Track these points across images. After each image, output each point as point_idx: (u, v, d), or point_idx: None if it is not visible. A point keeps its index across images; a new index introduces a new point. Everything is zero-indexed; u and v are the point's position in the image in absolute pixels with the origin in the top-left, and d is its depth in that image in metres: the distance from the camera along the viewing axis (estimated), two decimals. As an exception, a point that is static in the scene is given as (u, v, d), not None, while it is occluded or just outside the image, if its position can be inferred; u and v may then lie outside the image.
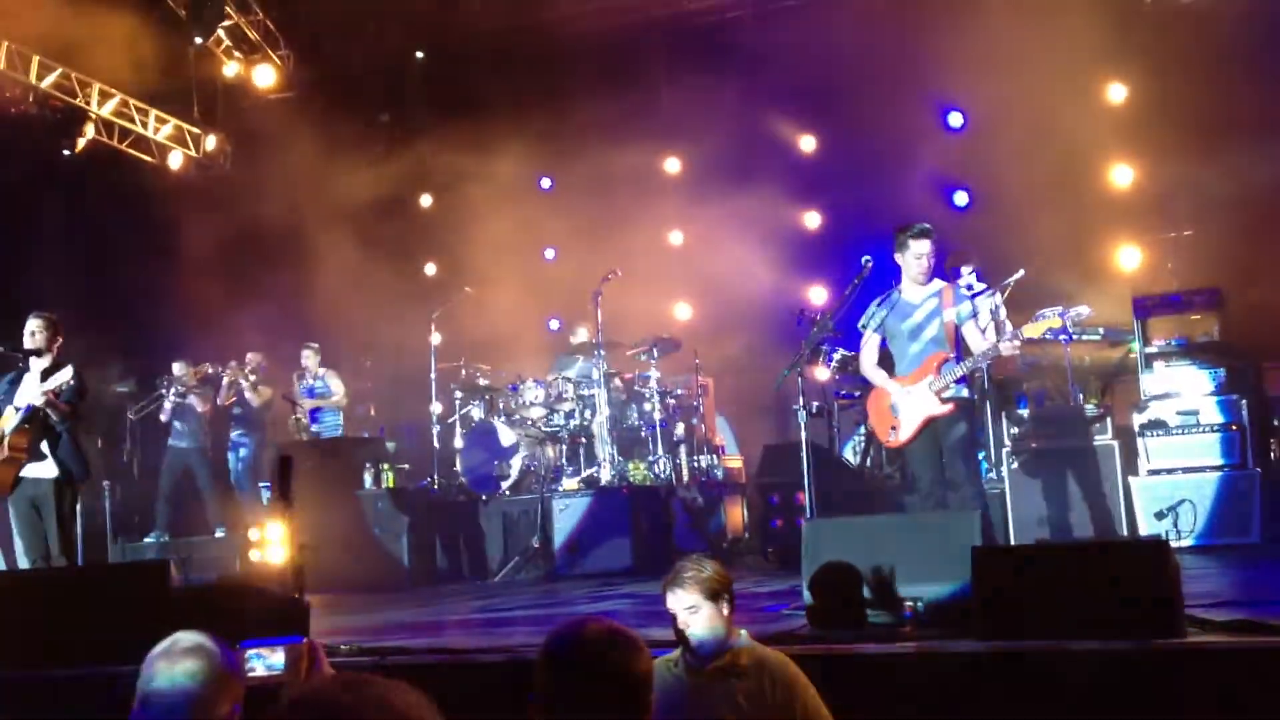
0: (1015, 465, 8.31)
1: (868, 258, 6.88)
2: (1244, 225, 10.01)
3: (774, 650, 4.09)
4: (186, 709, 2.70)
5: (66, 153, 12.52)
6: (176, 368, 11.79)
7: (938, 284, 6.88)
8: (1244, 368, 8.28)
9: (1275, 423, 8.47)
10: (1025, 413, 8.50)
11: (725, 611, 3.94)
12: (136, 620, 5.59)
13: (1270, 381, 8.57)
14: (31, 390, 7.45)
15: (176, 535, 11.24)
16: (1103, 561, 4.91)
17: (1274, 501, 7.96)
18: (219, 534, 11.19)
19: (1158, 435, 8.10)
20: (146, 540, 11.18)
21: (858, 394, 9.95)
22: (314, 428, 11.60)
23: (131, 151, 13.43)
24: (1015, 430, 8.45)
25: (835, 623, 5.29)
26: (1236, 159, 9.86)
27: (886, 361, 7.03)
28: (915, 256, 6.78)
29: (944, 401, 6.63)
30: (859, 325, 7.07)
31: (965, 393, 6.76)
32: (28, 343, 7.61)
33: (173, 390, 11.61)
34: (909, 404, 6.75)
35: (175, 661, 2.78)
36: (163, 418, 11.69)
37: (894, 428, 6.81)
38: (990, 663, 4.59)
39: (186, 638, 2.87)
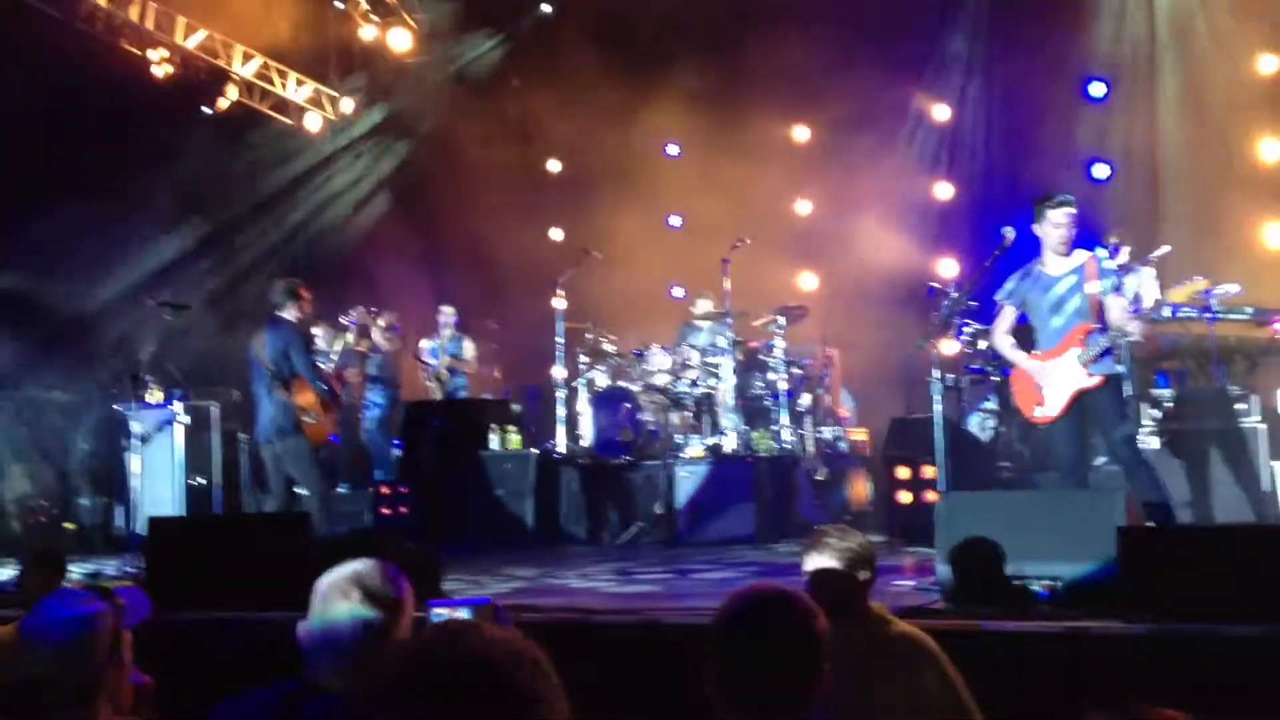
0: (1156, 446, 8.09)
1: (1010, 229, 6.71)
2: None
3: (910, 624, 4.05)
4: (366, 635, 2.74)
5: (207, 110, 12.83)
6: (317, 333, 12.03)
7: (1080, 256, 6.68)
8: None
9: None
10: (1167, 392, 8.27)
11: (865, 585, 3.90)
12: (279, 569, 5.81)
13: None
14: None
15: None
16: (1258, 545, 4.79)
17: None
18: (341, 489, 11.43)
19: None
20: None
21: (988, 369, 9.79)
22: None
23: (270, 113, 13.73)
24: (1156, 410, 8.23)
25: (972, 599, 5.23)
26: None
27: (1023, 337, 6.89)
28: (1054, 226, 6.60)
29: (1091, 375, 6.46)
30: (995, 298, 6.92)
31: (1116, 366, 6.59)
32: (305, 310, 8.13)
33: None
34: (1055, 378, 6.57)
35: (348, 591, 2.82)
36: None
37: (1040, 403, 6.65)
38: (1137, 645, 4.50)
39: (358, 565, 2.87)
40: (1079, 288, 6.58)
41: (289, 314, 8.10)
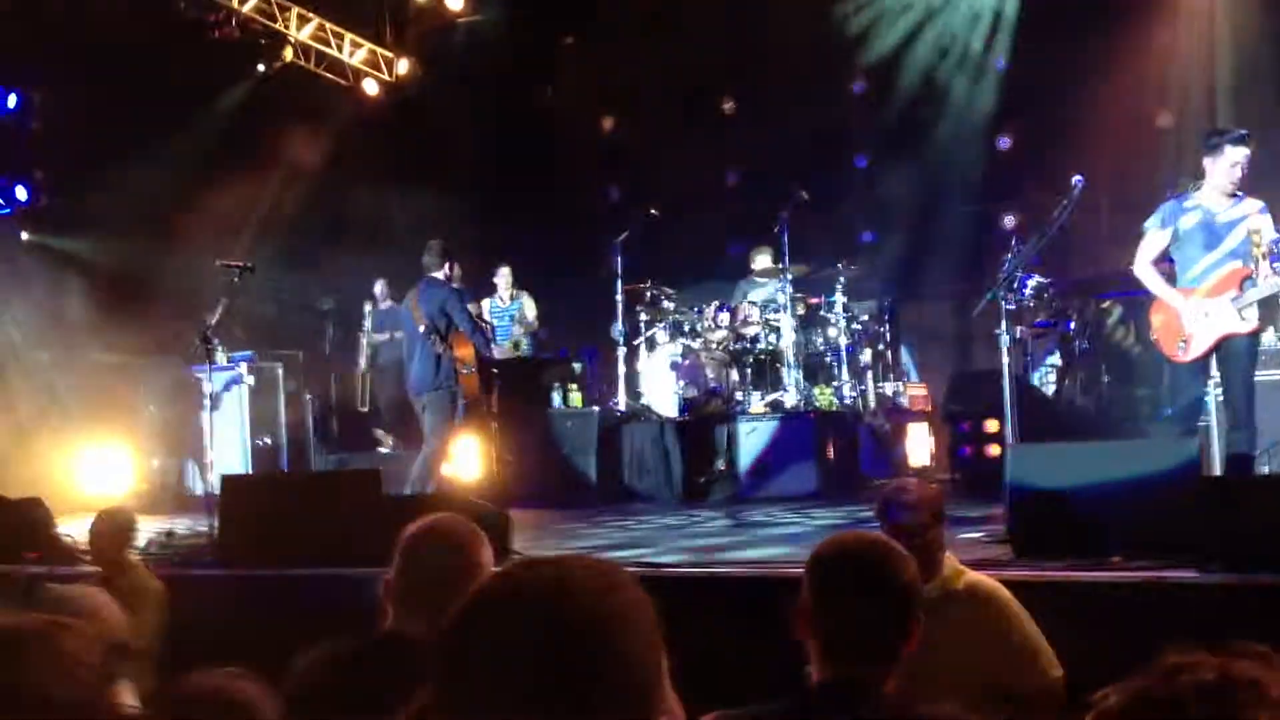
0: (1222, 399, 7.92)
1: (1079, 178, 6.54)
2: None
3: (985, 576, 4.04)
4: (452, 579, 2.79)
5: (261, 67, 12.91)
6: (378, 287, 12.14)
7: (1248, 202, 6.37)
8: None
9: None
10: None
11: (939, 536, 3.89)
12: (350, 526, 5.90)
13: None
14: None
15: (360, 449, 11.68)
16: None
17: None
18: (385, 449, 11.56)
19: None
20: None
21: (1053, 322, 9.69)
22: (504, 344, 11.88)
23: (327, 75, 13.79)
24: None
25: (1042, 550, 5.20)
26: None
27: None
28: (1230, 164, 6.27)
29: (1245, 320, 6.23)
30: (1144, 226, 6.59)
31: (1255, 319, 6.32)
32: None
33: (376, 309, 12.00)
34: (1204, 318, 6.31)
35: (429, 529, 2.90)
36: (365, 339, 12.09)
37: (1185, 341, 6.37)
38: (1211, 594, 4.47)
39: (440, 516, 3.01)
40: (1241, 228, 6.31)
41: (440, 274, 8.65)
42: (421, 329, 8.54)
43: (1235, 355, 6.32)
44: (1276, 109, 10.45)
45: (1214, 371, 6.64)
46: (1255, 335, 6.36)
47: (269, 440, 10.25)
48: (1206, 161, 6.41)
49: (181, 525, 7.61)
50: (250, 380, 10.12)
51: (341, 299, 12.93)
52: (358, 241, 12.87)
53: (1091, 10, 11.76)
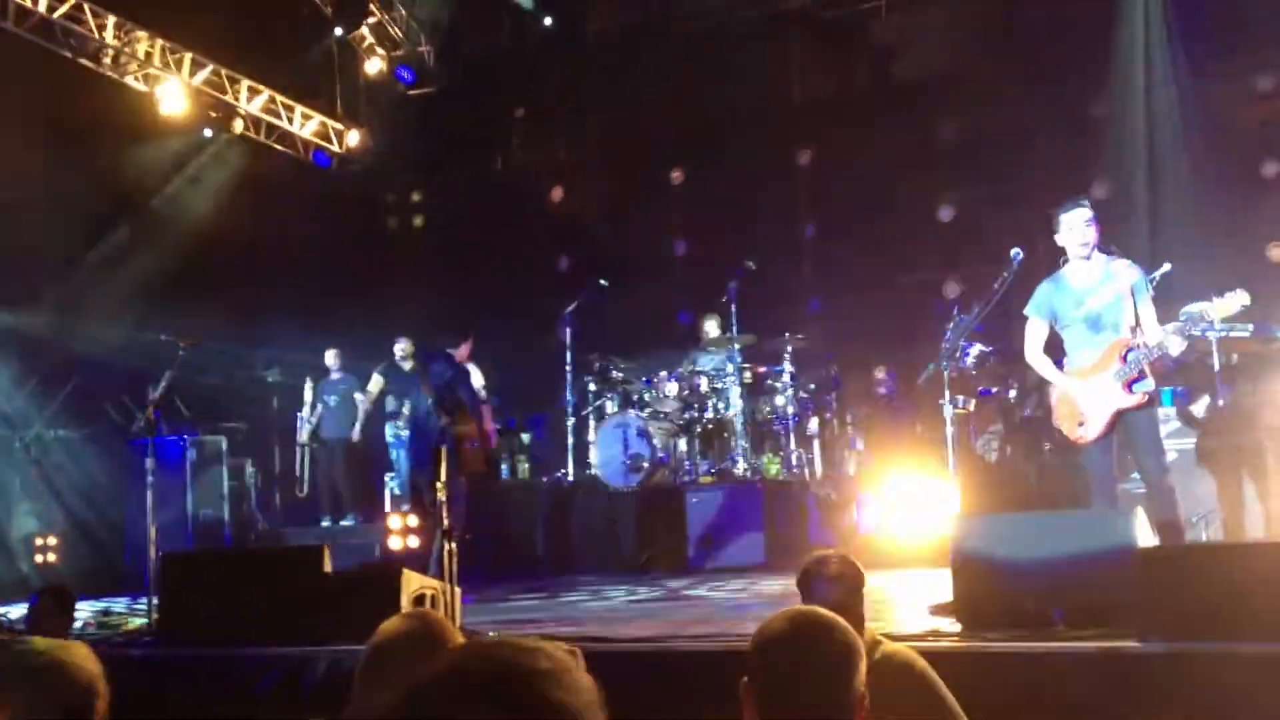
0: (1185, 458, 8.03)
1: (1018, 250, 6.65)
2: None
3: (903, 646, 4.03)
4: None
5: (209, 132, 12.92)
6: (329, 357, 12.05)
7: (1111, 264, 6.46)
8: None
9: None
10: (1171, 410, 8.28)
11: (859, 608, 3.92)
12: (295, 603, 5.84)
13: None
14: None
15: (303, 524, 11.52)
16: (1270, 564, 4.79)
17: None
18: (347, 522, 11.44)
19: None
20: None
21: (994, 390, 9.82)
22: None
23: (277, 146, 13.82)
24: (1186, 424, 8.20)
25: (985, 620, 5.23)
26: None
27: (1054, 351, 6.64)
28: (1068, 229, 6.42)
29: (1133, 393, 6.27)
30: (1025, 312, 6.69)
31: (1151, 384, 6.35)
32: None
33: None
34: (1095, 397, 6.37)
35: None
36: (312, 409, 11.99)
37: (1082, 423, 6.44)
38: (1152, 665, 4.51)
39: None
40: (1112, 298, 6.38)
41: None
42: (428, 401, 8.72)
43: (1134, 428, 6.35)
44: (1207, 184, 10.77)
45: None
46: (1149, 404, 6.34)
47: (212, 514, 10.12)
48: (1058, 240, 6.51)
49: (121, 604, 7.48)
50: (193, 454, 10.01)
51: (286, 370, 12.84)
52: (305, 312, 12.82)
53: (1031, 83, 12.08)
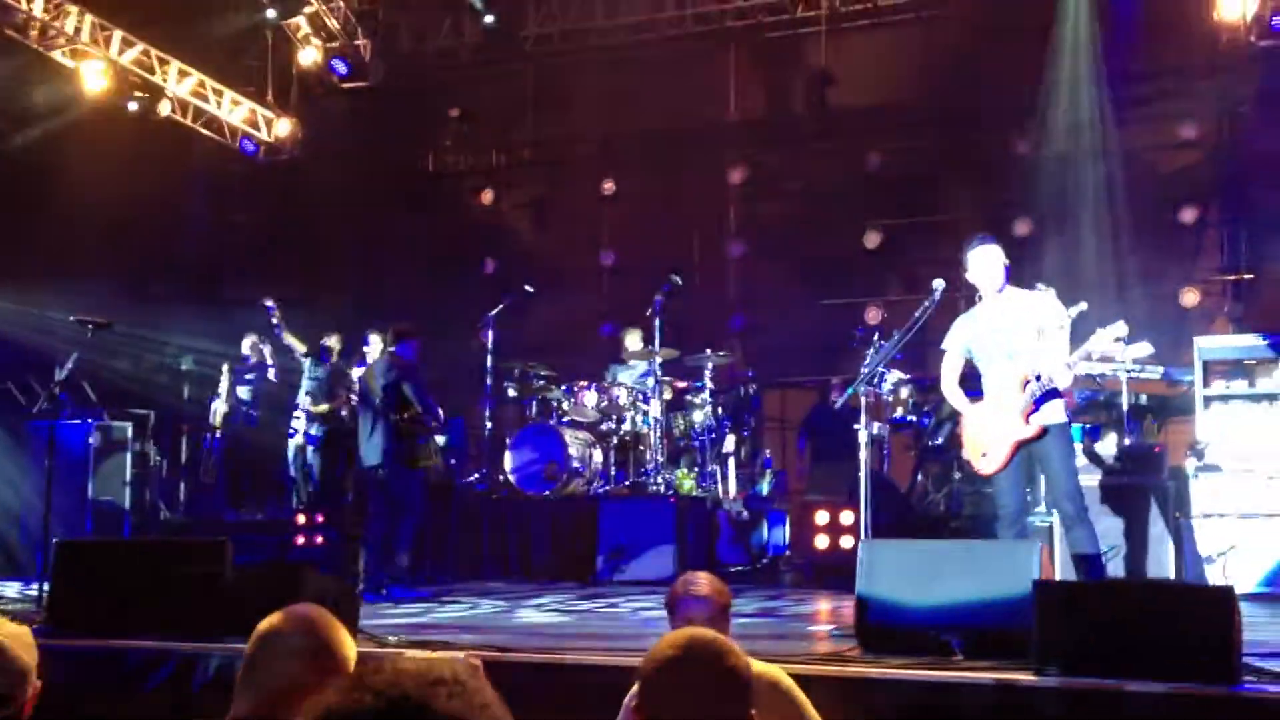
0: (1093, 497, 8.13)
1: (940, 282, 6.70)
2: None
3: (769, 666, 4.00)
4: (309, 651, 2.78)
5: (134, 105, 12.67)
6: (245, 345, 11.77)
7: (1025, 299, 6.60)
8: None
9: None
10: (1079, 447, 8.40)
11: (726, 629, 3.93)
12: (191, 598, 5.71)
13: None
14: None
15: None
16: (1166, 603, 4.87)
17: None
18: (254, 516, 11.24)
19: (1212, 478, 8.01)
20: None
21: (909, 418, 9.93)
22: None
23: (204, 131, 13.58)
24: (1092, 463, 8.31)
25: (887, 646, 5.27)
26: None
27: (973, 383, 6.74)
28: (976, 267, 6.55)
29: (1030, 425, 6.33)
30: (942, 346, 6.81)
31: (1059, 416, 6.41)
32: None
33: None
34: (997, 428, 6.46)
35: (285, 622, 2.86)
36: (226, 398, 11.74)
37: (985, 453, 6.53)
38: (1046, 698, 4.57)
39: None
40: (1022, 333, 6.46)
41: (402, 349, 8.84)
42: (379, 401, 8.67)
43: (1047, 462, 6.43)
44: (1126, 226, 11.01)
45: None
46: (1051, 436, 6.38)
47: (113, 502, 9.88)
48: (967, 277, 6.64)
49: (12, 588, 7.27)
50: (97, 439, 9.78)
51: (200, 358, 12.58)
52: (223, 300, 12.62)
53: (959, 117, 12.27)
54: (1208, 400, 8.34)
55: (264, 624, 2.91)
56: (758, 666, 3.85)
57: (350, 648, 2.92)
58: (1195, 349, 8.46)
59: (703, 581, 3.92)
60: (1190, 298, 11.06)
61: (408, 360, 8.87)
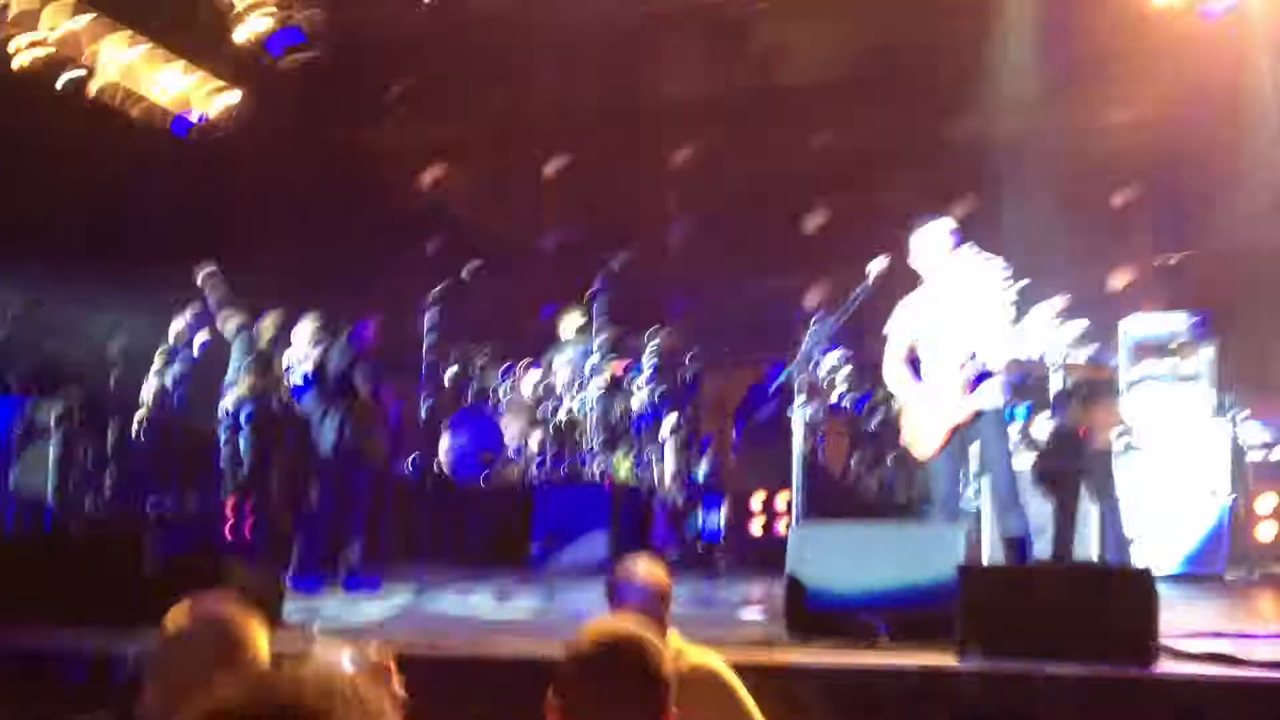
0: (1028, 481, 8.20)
1: (878, 262, 6.66)
2: (1236, 251, 10.12)
3: (706, 653, 3.97)
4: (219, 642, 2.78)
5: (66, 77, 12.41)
6: (175, 325, 11.50)
7: (968, 283, 6.56)
8: (1228, 398, 8.29)
9: (1259, 456, 8.42)
10: (1013, 429, 8.45)
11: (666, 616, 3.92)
12: (111, 588, 5.61)
13: (1261, 413, 8.55)
14: None
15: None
16: (1086, 586, 4.94)
17: (1246, 536, 8.03)
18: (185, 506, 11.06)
19: (1136, 460, 8.11)
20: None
21: (845, 401, 9.97)
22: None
23: (139, 107, 13.31)
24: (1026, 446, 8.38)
25: (815, 630, 5.28)
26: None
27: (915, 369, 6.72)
28: (920, 249, 6.59)
29: (965, 409, 6.36)
30: (884, 331, 6.81)
31: (995, 400, 6.43)
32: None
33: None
34: (935, 412, 6.46)
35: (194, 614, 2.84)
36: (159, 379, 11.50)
37: (922, 438, 6.54)
38: (969, 680, 4.60)
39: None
40: (963, 316, 6.46)
41: (356, 336, 8.79)
42: (331, 387, 8.56)
43: (982, 444, 6.47)
44: (1062, 209, 11.09)
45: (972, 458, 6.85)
46: (986, 419, 6.40)
47: (36, 490, 9.69)
48: (910, 260, 6.66)
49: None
50: (19, 424, 9.58)
51: (133, 340, 12.32)
52: (157, 281, 12.36)
53: (901, 99, 12.28)
54: (1133, 383, 8.44)
55: (172, 617, 2.86)
56: (695, 655, 3.85)
57: (261, 642, 2.87)
58: (1120, 331, 8.54)
59: (640, 569, 3.90)
60: (1120, 280, 11.16)
61: (364, 346, 8.75)
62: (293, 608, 6.26)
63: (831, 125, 12.93)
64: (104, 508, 10.72)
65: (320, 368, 8.72)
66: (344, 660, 2.90)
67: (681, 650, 3.80)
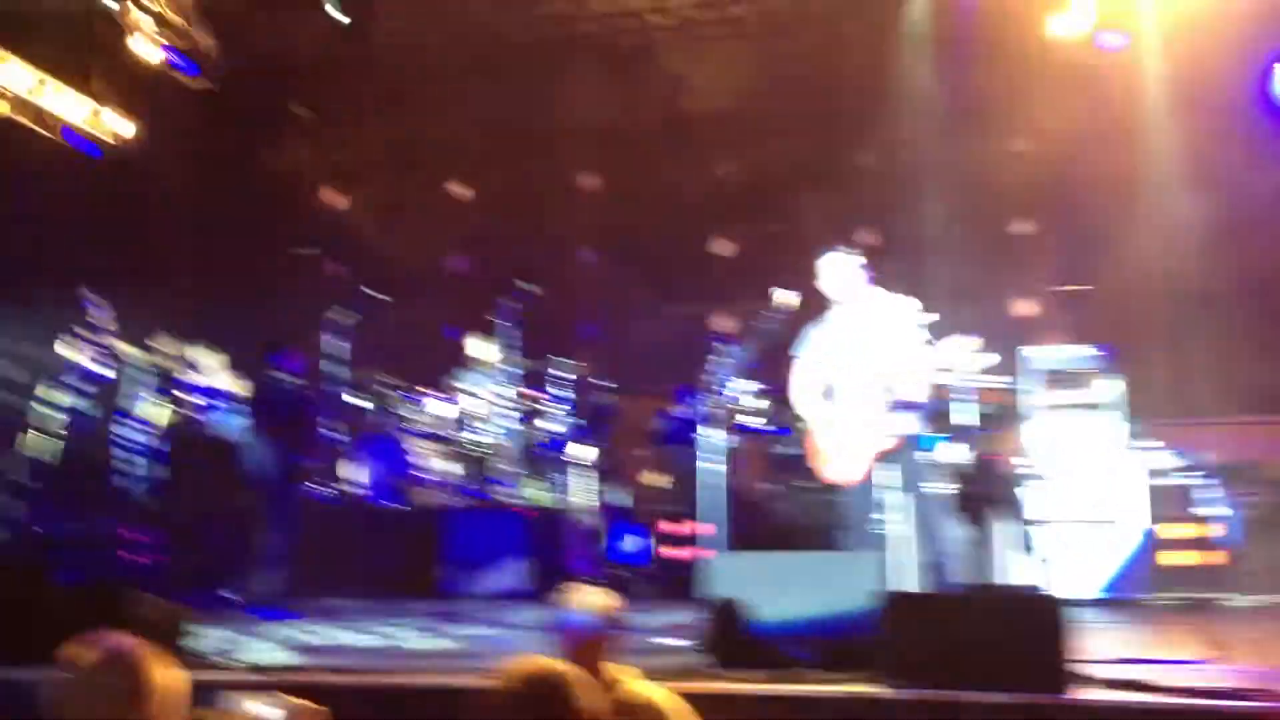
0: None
1: (785, 292, 6.73)
2: (1140, 282, 10.39)
3: (644, 685, 3.94)
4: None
5: None
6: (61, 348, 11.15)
7: (878, 308, 6.64)
8: (1132, 424, 8.50)
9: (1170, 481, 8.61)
10: (928, 456, 8.54)
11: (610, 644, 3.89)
12: (10, 621, 5.41)
13: (1168, 439, 8.75)
14: None
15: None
16: (996, 612, 4.99)
17: (1148, 558, 8.22)
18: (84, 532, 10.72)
19: (1039, 486, 8.27)
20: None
21: (756, 427, 10.00)
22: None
23: (39, 129, 12.93)
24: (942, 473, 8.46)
25: (734, 659, 5.28)
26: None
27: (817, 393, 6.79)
28: (829, 275, 6.65)
29: (887, 435, 6.42)
30: (790, 352, 6.86)
31: (913, 426, 6.51)
32: None
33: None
34: (851, 437, 6.51)
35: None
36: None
37: (836, 464, 6.59)
38: (892, 708, 4.63)
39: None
40: (875, 341, 6.50)
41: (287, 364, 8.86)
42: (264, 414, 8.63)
43: (904, 468, 6.48)
44: (967, 237, 11.30)
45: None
46: (908, 445, 6.49)
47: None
48: (819, 285, 6.74)
49: None
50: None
51: (17, 364, 11.93)
52: (45, 301, 12.00)
53: (806, 127, 12.43)
54: (1038, 410, 8.61)
55: (75, 656, 2.76)
56: (631, 686, 3.81)
57: (169, 681, 2.78)
58: (1018, 358, 8.71)
59: (585, 596, 3.88)
60: (1021, 309, 11.41)
61: (294, 372, 8.74)
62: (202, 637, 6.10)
63: (735, 154, 13.07)
64: (5, 534, 10.35)
65: (257, 395, 8.68)
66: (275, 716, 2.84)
67: (617, 679, 3.77)
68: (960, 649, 4.75)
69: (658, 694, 3.76)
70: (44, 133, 12.95)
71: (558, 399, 10.45)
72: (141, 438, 10.37)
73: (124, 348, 10.51)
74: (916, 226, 11.63)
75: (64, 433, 10.89)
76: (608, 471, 10.87)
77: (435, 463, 10.27)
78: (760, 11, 12.87)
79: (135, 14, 13.09)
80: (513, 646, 6.34)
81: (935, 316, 6.79)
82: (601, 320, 13.25)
